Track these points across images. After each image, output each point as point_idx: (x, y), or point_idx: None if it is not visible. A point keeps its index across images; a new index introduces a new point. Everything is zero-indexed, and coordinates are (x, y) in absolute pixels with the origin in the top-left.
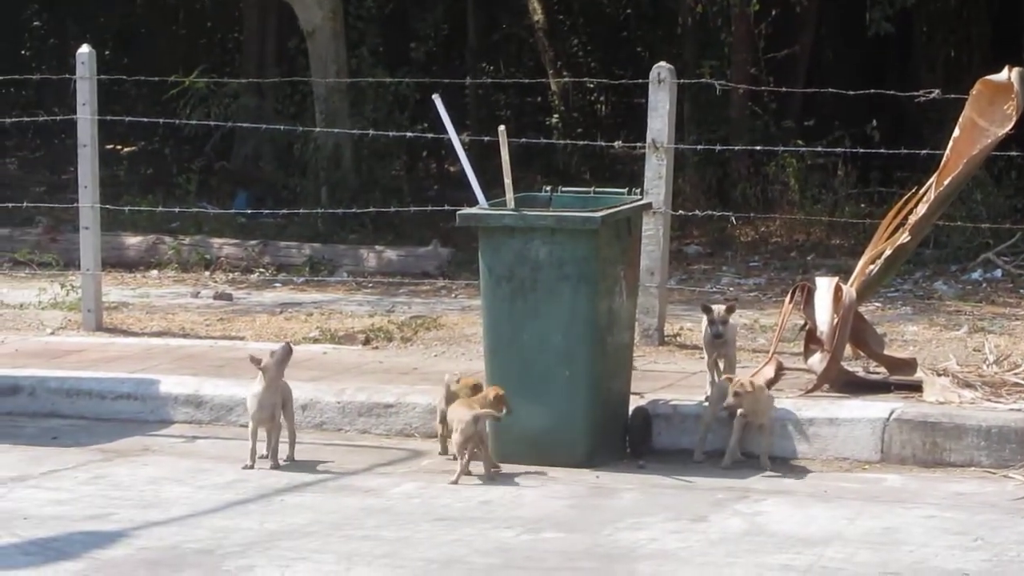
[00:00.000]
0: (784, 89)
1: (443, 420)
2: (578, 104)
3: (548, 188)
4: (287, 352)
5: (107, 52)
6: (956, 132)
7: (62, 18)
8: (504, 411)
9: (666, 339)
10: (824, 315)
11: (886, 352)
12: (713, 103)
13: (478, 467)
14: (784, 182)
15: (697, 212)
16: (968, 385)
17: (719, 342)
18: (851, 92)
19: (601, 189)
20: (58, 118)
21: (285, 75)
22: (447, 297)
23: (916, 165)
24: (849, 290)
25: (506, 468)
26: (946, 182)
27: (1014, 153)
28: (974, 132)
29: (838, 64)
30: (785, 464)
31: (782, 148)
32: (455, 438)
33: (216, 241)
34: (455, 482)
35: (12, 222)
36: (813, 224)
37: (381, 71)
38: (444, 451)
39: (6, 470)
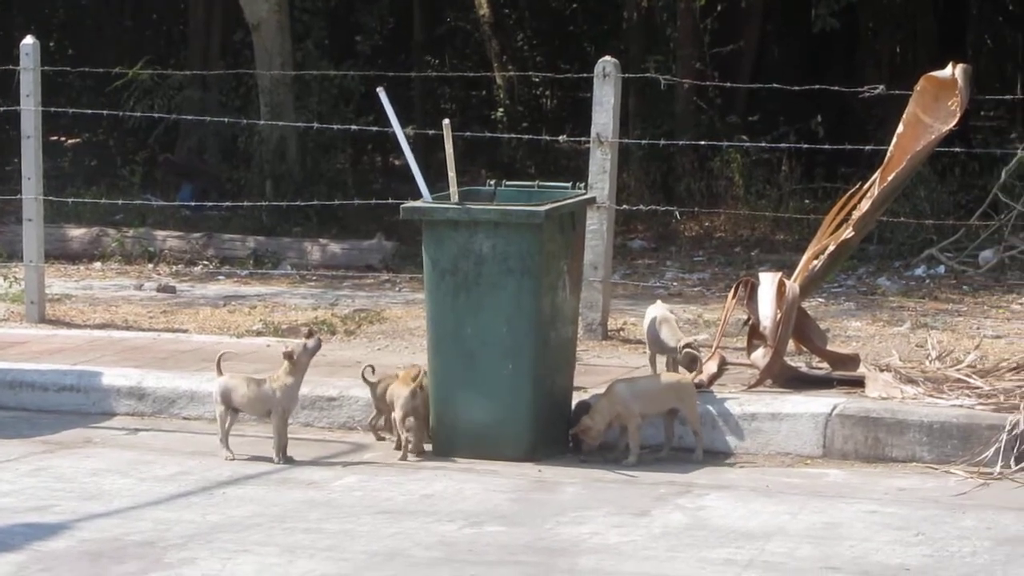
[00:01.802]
0: (729, 84)
1: (378, 407)
2: (523, 98)
3: (492, 182)
4: (318, 345)
5: (51, 43)
6: (900, 128)
7: (7, 8)
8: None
9: (610, 333)
10: (767, 310)
11: (829, 347)
12: (658, 98)
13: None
14: (729, 177)
15: (641, 207)
16: (910, 381)
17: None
18: (796, 88)
19: (545, 183)
20: (1, 109)
21: (230, 68)
22: (391, 290)
23: (860, 161)
24: (792, 285)
25: (449, 461)
26: (890, 178)
27: (958, 149)
28: (918, 128)
29: (783, 60)
30: (728, 459)
31: (727, 143)
32: (396, 414)
33: (160, 233)
34: (403, 458)
35: None
36: (757, 219)
37: (326, 64)
38: (377, 436)
39: None
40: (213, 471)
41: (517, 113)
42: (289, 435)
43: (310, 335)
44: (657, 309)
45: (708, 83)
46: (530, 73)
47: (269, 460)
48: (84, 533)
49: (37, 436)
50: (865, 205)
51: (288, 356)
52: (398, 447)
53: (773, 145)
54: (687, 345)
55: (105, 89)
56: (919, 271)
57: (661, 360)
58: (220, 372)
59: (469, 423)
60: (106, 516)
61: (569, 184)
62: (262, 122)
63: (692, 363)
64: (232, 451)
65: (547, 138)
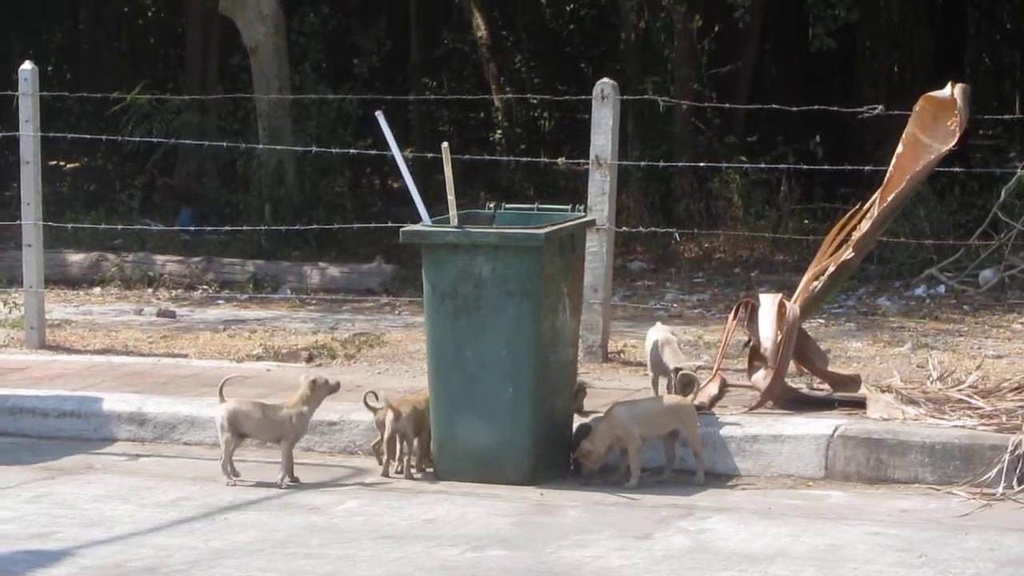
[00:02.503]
0: (727, 105)
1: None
2: (521, 120)
3: (491, 205)
4: (337, 387)
5: (50, 68)
6: (899, 148)
7: (5, 34)
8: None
9: (610, 356)
10: (768, 332)
11: (830, 368)
12: (656, 119)
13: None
14: (728, 198)
15: (641, 228)
16: (912, 402)
17: None
18: (794, 108)
19: (544, 206)
20: (0, 135)
21: (228, 91)
22: (391, 314)
23: (859, 181)
24: (793, 307)
25: (451, 485)
26: (889, 198)
27: (957, 169)
28: (917, 148)
29: (781, 80)
30: (730, 481)
31: (725, 164)
32: (384, 435)
33: (159, 258)
34: (384, 474)
35: None
36: (757, 240)
37: (324, 87)
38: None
39: None
40: (214, 496)
41: (515, 135)
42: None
43: (310, 359)
44: (658, 332)
45: (706, 104)
46: (528, 95)
47: (272, 485)
48: (86, 560)
49: (38, 462)
50: (865, 225)
51: (312, 384)
52: (385, 473)
53: (772, 166)
54: (677, 369)
55: (103, 114)
56: (919, 291)
57: (663, 383)
58: (223, 399)
59: (470, 446)
60: (108, 543)
61: (568, 206)
62: (260, 146)
63: (687, 387)
64: (235, 476)
65: (546, 160)
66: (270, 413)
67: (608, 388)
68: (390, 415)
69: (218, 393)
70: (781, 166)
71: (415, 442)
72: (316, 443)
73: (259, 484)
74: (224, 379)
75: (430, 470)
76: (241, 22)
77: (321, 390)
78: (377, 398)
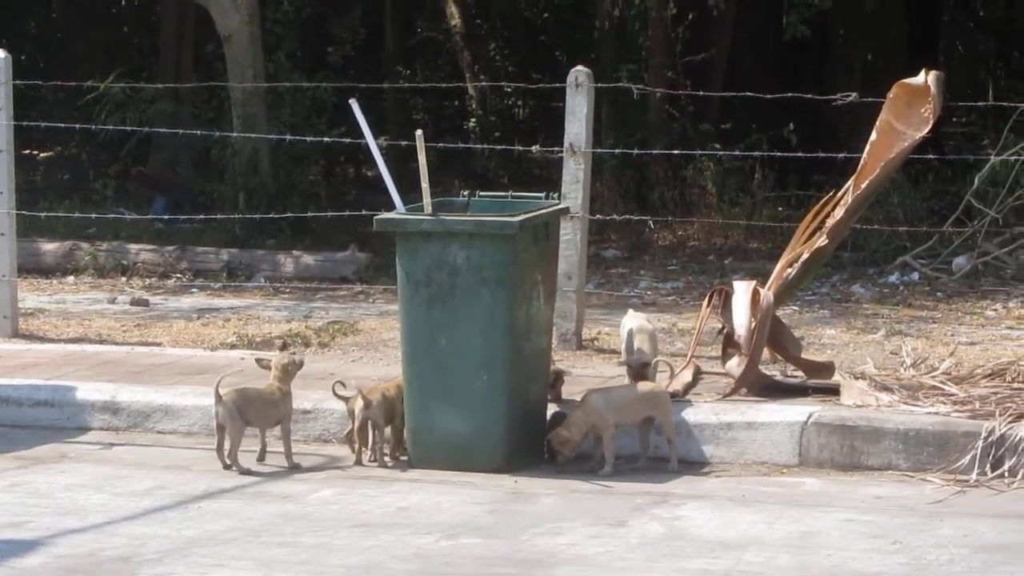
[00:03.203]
0: (701, 93)
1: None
2: (496, 108)
3: (466, 193)
4: (302, 363)
5: (23, 57)
6: (873, 136)
7: None
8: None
9: (584, 343)
10: (742, 319)
11: (804, 356)
12: (631, 107)
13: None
14: (702, 186)
15: (615, 216)
16: (886, 388)
17: None
18: (768, 96)
19: (519, 194)
20: None
21: (202, 80)
22: (365, 302)
23: (833, 168)
24: (767, 294)
25: (425, 474)
26: (863, 185)
27: (931, 156)
28: (891, 135)
29: (755, 67)
30: (704, 468)
31: (700, 152)
32: (355, 424)
33: (133, 247)
34: (358, 462)
35: None
36: (731, 228)
37: (298, 76)
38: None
39: None
40: (188, 485)
41: (490, 123)
42: (265, 448)
43: (284, 347)
44: (633, 319)
45: (680, 92)
46: (502, 83)
47: (255, 473)
48: (59, 549)
49: (11, 452)
50: (839, 212)
51: (282, 367)
52: (358, 461)
53: (746, 153)
54: (643, 363)
55: (77, 102)
56: (893, 278)
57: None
58: (220, 396)
59: (445, 434)
60: (81, 532)
61: (543, 194)
62: (235, 134)
63: (640, 373)
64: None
65: (520, 148)
66: (268, 397)
67: (582, 376)
68: (360, 403)
69: (215, 391)
70: (755, 153)
71: (387, 430)
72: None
73: (263, 473)
74: (221, 376)
75: (404, 458)
76: (215, 10)
77: (291, 368)
78: (345, 387)
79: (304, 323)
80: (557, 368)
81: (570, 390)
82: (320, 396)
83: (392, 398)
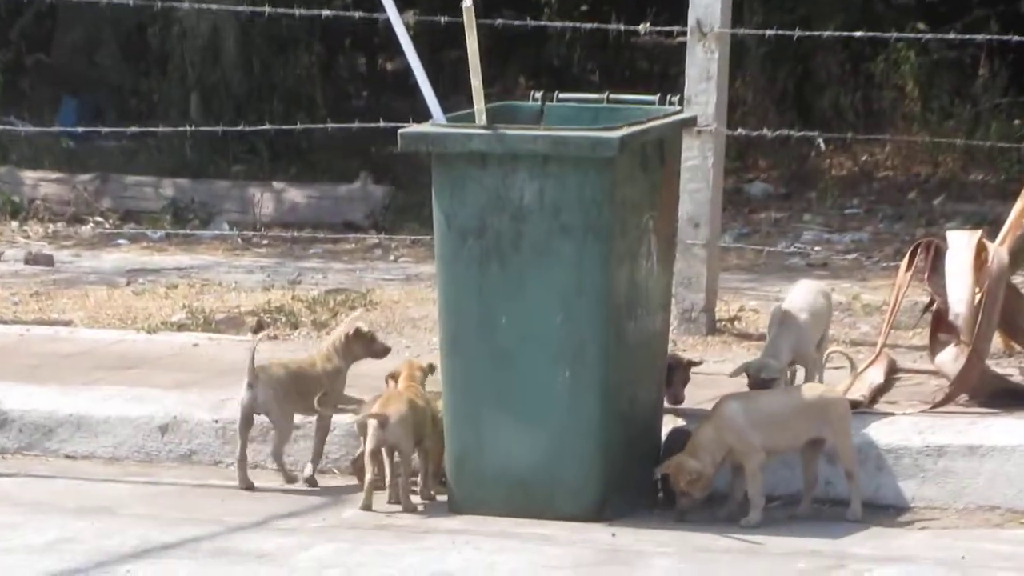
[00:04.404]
0: None
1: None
2: None
3: (538, 95)
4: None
5: None
6: None
7: None
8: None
9: (719, 325)
10: (960, 290)
11: None
12: None
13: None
14: (898, 86)
15: (766, 132)
16: None
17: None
18: None
19: (618, 96)
20: None
21: None
22: (382, 261)
23: None
24: (999, 251)
25: (473, 522)
26: None
27: None
28: None
29: None
30: (901, 516)
31: (895, 35)
32: (367, 447)
33: (30, 176)
34: (366, 505)
35: None
36: (943, 151)
37: None
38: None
39: None
40: (113, 537)
41: None
42: (228, 482)
43: (259, 328)
44: (804, 292)
45: None
46: None
47: (199, 521)
48: None
49: None
50: None
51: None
52: (367, 504)
53: (965, 36)
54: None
55: None
56: None
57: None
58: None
59: (505, 463)
60: None
61: (654, 98)
62: (185, 4)
63: (766, 385)
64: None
65: (619, 28)
66: (308, 372)
67: (716, 375)
68: (374, 417)
69: (249, 367)
70: (979, 37)
71: (416, 456)
72: (269, 456)
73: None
74: (257, 339)
75: (442, 498)
76: None
77: (358, 345)
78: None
79: (291, 292)
80: (677, 355)
81: (698, 396)
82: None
83: (423, 408)
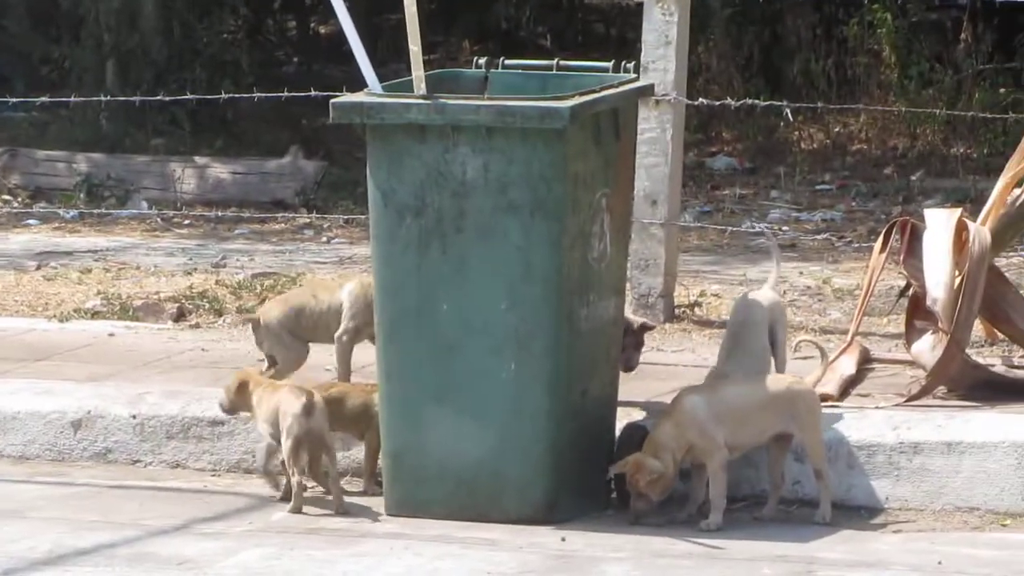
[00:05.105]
0: None
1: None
2: None
3: (482, 61)
4: None
5: None
6: None
7: None
8: None
9: (678, 312)
10: (939, 272)
11: None
12: None
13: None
14: (874, 52)
15: (730, 101)
16: None
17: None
18: None
19: (569, 63)
20: None
21: None
22: (314, 242)
23: None
24: (980, 230)
25: (412, 524)
26: None
27: None
28: None
29: None
30: (874, 518)
31: None
32: (284, 444)
33: None
34: (295, 510)
35: None
36: (921, 121)
37: None
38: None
39: None
40: (21, 542)
41: None
42: (146, 482)
43: (180, 316)
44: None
45: None
46: None
47: (115, 524)
48: None
49: None
50: None
51: None
52: (295, 506)
53: None
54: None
55: None
56: None
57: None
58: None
59: (445, 460)
60: None
61: (608, 64)
62: None
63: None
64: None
65: None
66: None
67: (675, 365)
68: (296, 407)
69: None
70: (960, 0)
71: (345, 452)
72: (190, 455)
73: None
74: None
75: (378, 498)
76: None
77: None
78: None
79: (214, 276)
80: (629, 317)
81: (657, 388)
82: None
83: (358, 402)
